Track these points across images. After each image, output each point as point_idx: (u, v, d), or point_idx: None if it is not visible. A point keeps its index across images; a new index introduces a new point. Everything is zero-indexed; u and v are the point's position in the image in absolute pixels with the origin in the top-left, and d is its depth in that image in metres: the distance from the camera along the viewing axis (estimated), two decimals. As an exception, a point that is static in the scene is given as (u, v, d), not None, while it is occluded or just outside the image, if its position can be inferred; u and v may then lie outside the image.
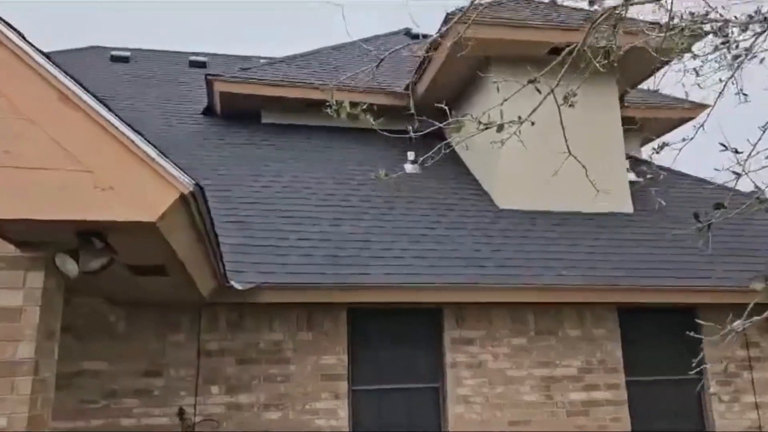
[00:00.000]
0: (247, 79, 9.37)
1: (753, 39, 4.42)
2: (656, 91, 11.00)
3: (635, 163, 9.64)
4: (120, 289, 5.55)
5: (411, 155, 9.10)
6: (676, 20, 4.56)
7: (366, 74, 10.07)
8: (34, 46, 3.45)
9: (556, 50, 8.14)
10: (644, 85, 10.37)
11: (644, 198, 8.95)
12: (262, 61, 10.80)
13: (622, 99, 9.39)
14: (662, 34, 4.61)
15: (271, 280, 6.15)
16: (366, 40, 11.26)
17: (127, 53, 12.20)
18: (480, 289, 6.74)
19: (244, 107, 9.73)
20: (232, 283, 5.85)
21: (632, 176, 9.38)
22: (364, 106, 4.65)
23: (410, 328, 6.98)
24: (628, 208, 8.59)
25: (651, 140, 11.27)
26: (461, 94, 9.50)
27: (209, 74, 9.19)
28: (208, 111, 9.95)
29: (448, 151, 5.08)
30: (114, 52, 12.13)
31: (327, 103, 4.58)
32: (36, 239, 3.60)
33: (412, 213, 7.79)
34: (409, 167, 8.94)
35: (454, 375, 6.83)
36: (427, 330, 7.00)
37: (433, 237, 7.34)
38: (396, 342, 6.89)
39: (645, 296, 7.16)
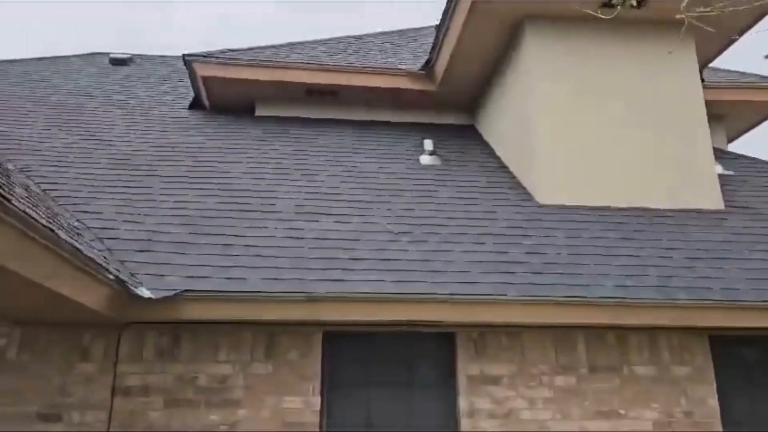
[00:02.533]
0: (236, 60, 7.86)
1: None
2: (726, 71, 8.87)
3: (717, 153, 7.51)
4: (9, 301, 3.97)
5: (428, 144, 7.30)
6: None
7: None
8: None
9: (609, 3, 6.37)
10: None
11: (733, 193, 6.79)
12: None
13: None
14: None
15: (203, 287, 4.40)
16: (391, 32, 9.67)
17: (127, 56, 11.07)
18: (507, 303, 4.77)
19: (235, 98, 8.21)
20: (136, 289, 4.14)
21: (719, 168, 7.25)
22: None
23: (409, 359, 5.06)
24: (716, 203, 6.44)
25: (737, 127, 9.07)
26: (491, 69, 7.67)
27: (187, 54, 7.72)
28: (196, 105, 8.48)
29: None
30: (113, 56, 11.02)
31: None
32: None
33: (420, 208, 5.93)
34: (425, 159, 7.16)
35: (471, 428, 4.83)
36: (434, 363, 5.07)
37: (443, 237, 5.44)
38: (389, 379, 4.98)
39: (750, 318, 5.00)
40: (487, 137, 7.91)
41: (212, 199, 5.68)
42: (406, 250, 5.15)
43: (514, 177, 6.88)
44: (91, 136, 7.01)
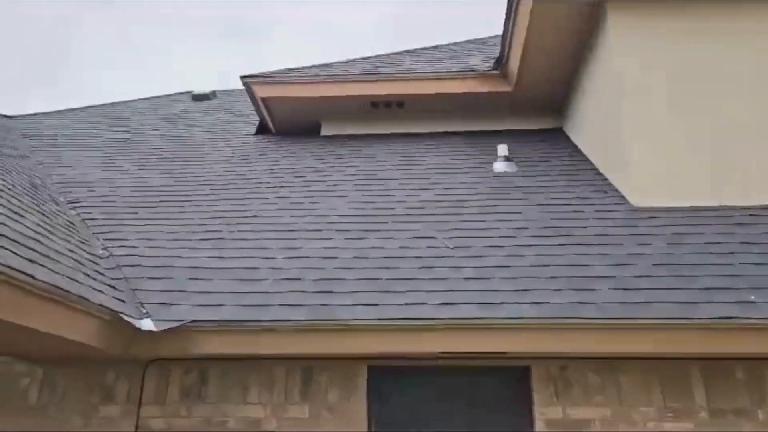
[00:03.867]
0: (296, 77, 7.46)
1: None
2: None
3: None
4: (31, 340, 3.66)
5: (502, 150, 6.42)
6: None
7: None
8: None
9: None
10: None
11: None
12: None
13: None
14: None
15: (212, 317, 3.83)
16: (457, 42, 8.91)
17: (209, 92, 11.17)
18: (586, 327, 3.78)
19: (299, 118, 7.81)
20: (137, 322, 3.64)
21: None
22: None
23: (473, 399, 4.17)
24: None
25: None
26: (572, 61, 6.67)
27: (245, 76, 7.43)
28: (262, 129, 8.19)
29: None
30: (196, 92, 11.17)
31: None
32: None
33: (485, 219, 5.07)
34: (499, 166, 6.29)
35: (549, 487, 3.84)
36: (504, 404, 4.15)
37: (508, 250, 4.54)
38: (448, 424, 4.12)
39: None
40: (576, 140, 6.87)
41: (250, 223, 5.17)
42: (461, 267, 4.31)
43: (605, 179, 5.82)
44: (150, 167, 6.84)
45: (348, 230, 4.92)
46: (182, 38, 35.47)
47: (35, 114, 9.84)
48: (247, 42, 35.37)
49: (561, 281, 4.09)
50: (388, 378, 4.25)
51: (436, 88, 7.39)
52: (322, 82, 7.45)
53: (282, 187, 5.99)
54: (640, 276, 4.13)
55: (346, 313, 3.82)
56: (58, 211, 5.04)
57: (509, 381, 4.19)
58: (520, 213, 5.19)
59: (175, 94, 11.55)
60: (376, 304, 3.89)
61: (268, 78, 7.46)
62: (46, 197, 5.22)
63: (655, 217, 4.88)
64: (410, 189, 5.87)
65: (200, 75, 29.41)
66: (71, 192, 6.01)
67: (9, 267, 2.75)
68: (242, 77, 7.40)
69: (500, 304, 3.87)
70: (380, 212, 5.35)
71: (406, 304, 3.89)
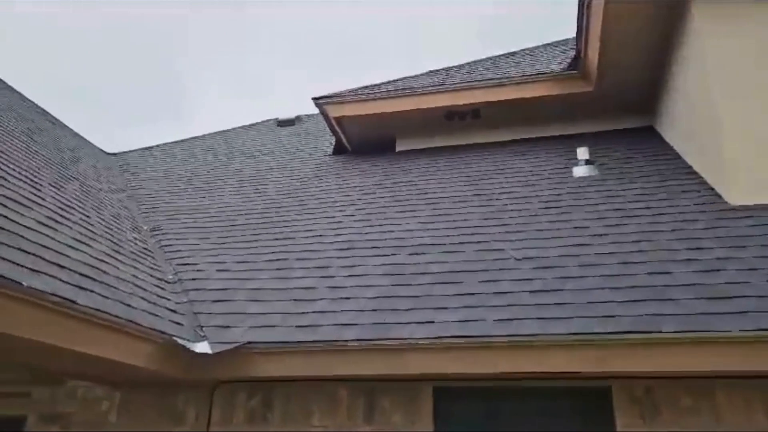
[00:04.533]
0: (367, 94, 7.44)
1: None
2: None
3: None
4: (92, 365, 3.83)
5: (583, 153, 6.02)
6: None
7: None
8: None
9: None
10: None
11: None
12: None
13: None
14: None
15: (266, 338, 3.78)
16: (529, 48, 8.53)
17: (293, 117, 11.47)
18: (673, 343, 3.36)
19: (374, 135, 7.78)
20: (193, 346, 3.66)
21: None
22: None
23: (546, 423, 3.83)
24: None
25: None
26: (657, 52, 6.15)
27: (316, 98, 7.50)
28: (339, 149, 8.23)
29: None
30: (281, 118, 11.50)
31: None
32: None
33: (559, 227, 4.72)
34: (580, 170, 5.90)
35: None
36: (582, 429, 3.77)
37: (583, 260, 4.17)
38: (516, 450, 3.80)
39: None
40: (668, 138, 6.31)
41: (315, 243, 5.13)
42: (528, 280, 4.00)
43: (698, 178, 5.27)
44: (231, 194, 7.04)
45: (411, 245, 4.76)
46: (291, 63, 37.06)
47: (136, 150, 10.52)
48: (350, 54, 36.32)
49: (638, 292, 3.68)
50: (456, 400, 4.01)
51: (512, 94, 7.09)
52: (394, 98, 7.37)
53: (351, 205, 5.94)
54: (733, 283, 3.63)
55: (399, 332, 3.64)
56: (136, 238, 5.26)
57: (587, 403, 3.81)
58: (600, 219, 4.79)
59: (263, 121, 11.95)
60: (432, 322, 3.69)
61: (339, 98, 7.49)
62: (127, 226, 5.47)
63: (752, 216, 4.32)
64: (484, 200, 5.62)
65: (304, 100, 30.57)
66: (155, 221, 6.29)
67: (53, 294, 2.84)
68: (314, 99, 7.49)
69: (566, 318, 3.54)
70: (448, 225, 5.14)
71: (463, 320, 3.65)
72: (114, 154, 10.03)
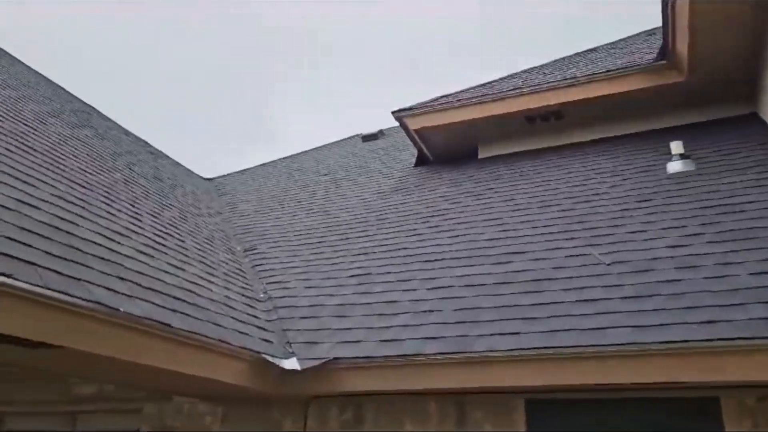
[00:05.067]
0: (445, 104, 7.41)
1: None
2: None
3: None
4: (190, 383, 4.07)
5: (676, 147, 5.68)
6: None
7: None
8: None
9: None
10: None
11: None
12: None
13: None
14: None
15: (350, 353, 3.82)
16: (611, 43, 8.16)
17: (377, 131, 11.62)
18: (777, 351, 3.08)
19: (455, 144, 7.73)
20: (281, 362, 3.76)
21: None
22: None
23: (647, 437, 3.61)
24: None
25: None
26: (755, 32, 5.70)
27: (396, 111, 7.54)
28: (421, 161, 8.24)
29: None
30: (365, 133, 11.69)
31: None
32: None
33: (650, 228, 4.46)
34: (674, 165, 5.58)
35: None
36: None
37: (678, 261, 3.91)
38: (615, 465, 3.61)
39: None
40: (773, 123, 5.84)
41: (397, 256, 5.15)
42: (618, 286, 3.81)
43: (809, 165, 4.83)
44: (317, 211, 7.22)
45: (494, 255, 4.67)
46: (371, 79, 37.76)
47: (230, 174, 11.05)
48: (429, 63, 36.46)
49: (742, 294, 3.41)
50: (549, 412, 3.87)
51: (596, 91, 6.81)
52: (473, 105, 7.29)
53: (433, 216, 5.92)
54: None
55: (484, 344, 3.57)
56: (230, 259, 5.50)
57: (691, 414, 3.56)
58: (696, 217, 4.49)
59: (347, 138, 12.20)
60: (516, 333, 3.59)
61: (418, 109, 7.51)
62: (221, 248, 5.74)
63: None
64: (570, 203, 5.43)
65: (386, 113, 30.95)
66: (248, 241, 6.56)
67: (147, 318, 3.02)
68: (393, 112, 7.55)
69: (663, 325, 3.33)
70: (534, 231, 5.00)
71: (551, 331, 3.52)
72: (210, 179, 10.58)
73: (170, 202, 6.34)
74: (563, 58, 7.95)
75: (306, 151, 11.60)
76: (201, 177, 10.29)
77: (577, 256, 4.35)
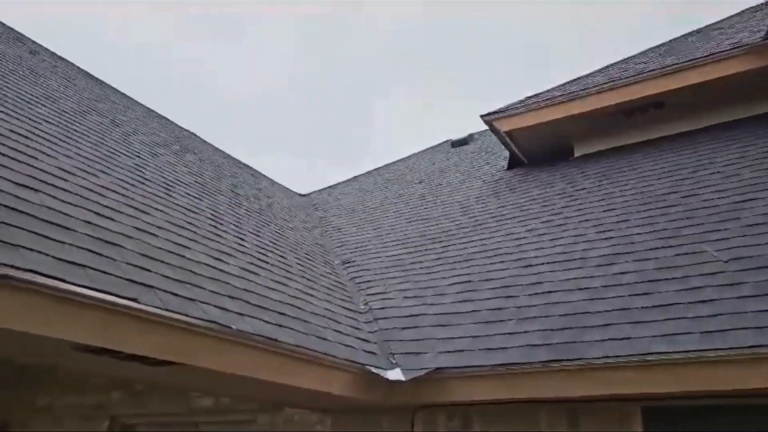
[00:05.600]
0: (536, 104, 7.25)
1: None
2: None
3: None
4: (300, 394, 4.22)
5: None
6: None
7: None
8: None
9: None
10: None
11: None
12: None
13: None
14: None
15: (455, 363, 3.79)
16: (704, 27, 7.66)
17: (466, 136, 11.54)
18: None
19: (549, 144, 7.54)
20: (385, 373, 3.80)
21: None
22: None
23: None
24: None
25: None
26: None
27: (484, 114, 7.44)
28: (514, 163, 8.09)
29: None
30: (454, 139, 11.64)
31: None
32: None
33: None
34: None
35: None
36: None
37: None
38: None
39: None
40: None
41: (497, 262, 5.07)
42: (737, 284, 3.55)
43: None
44: (412, 220, 7.26)
45: (596, 257, 4.49)
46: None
47: (325, 188, 11.33)
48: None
49: None
50: (668, 420, 3.66)
51: (700, 76, 6.44)
52: (565, 102, 7.09)
53: (530, 219, 5.78)
54: None
55: (594, 350, 3.43)
56: (329, 273, 5.64)
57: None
58: (824, 205, 4.12)
59: (436, 145, 12.18)
60: (629, 338, 3.43)
61: (508, 111, 7.39)
62: (320, 262, 5.89)
63: None
64: (675, 197, 5.14)
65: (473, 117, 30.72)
66: (345, 253, 6.69)
67: (257, 334, 3.15)
68: (483, 116, 7.48)
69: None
70: (639, 230, 4.77)
71: (666, 335, 3.34)
72: (306, 195, 10.91)
73: (269, 220, 6.59)
74: (660, 45, 7.56)
75: (396, 161, 11.70)
76: (296, 193, 10.63)
77: (688, 254, 4.11)
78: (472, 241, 5.78)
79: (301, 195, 10.74)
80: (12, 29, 7.70)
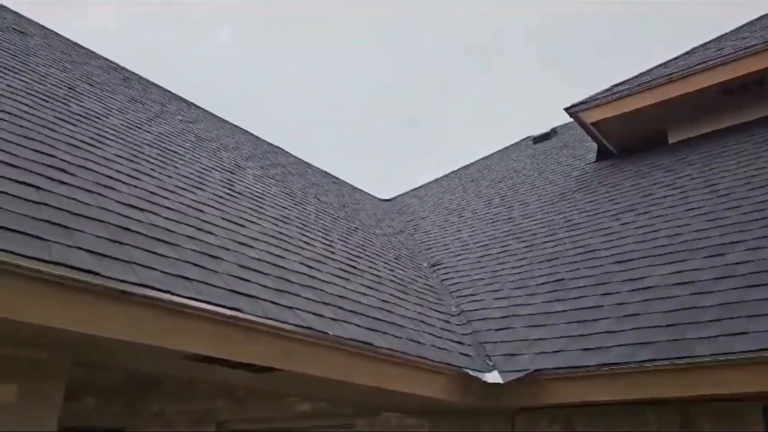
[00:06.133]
0: (622, 92, 6.95)
1: None
2: None
3: None
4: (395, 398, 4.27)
5: None
6: None
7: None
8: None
9: None
10: None
11: None
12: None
13: None
14: None
15: (552, 364, 3.68)
16: None
17: (548, 131, 11.26)
18: None
19: (640, 132, 7.22)
20: (483, 375, 3.74)
21: None
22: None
23: None
24: None
25: None
26: None
27: (568, 107, 7.21)
28: (603, 154, 7.79)
29: None
30: (535, 135, 11.39)
31: None
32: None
33: None
34: None
35: None
36: None
37: None
38: None
39: None
40: None
41: (590, 258, 4.89)
42: None
43: None
44: (496, 221, 7.14)
45: (703, 247, 4.24)
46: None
47: (407, 192, 11.37)
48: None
49: None
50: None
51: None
52: (656, 87, 6.77)
53: (624, 212, 5.55)
54: None
55: (706, 347, 3.24)
56: (418, 276, 5.64)
57: None
58: None
59: (517, 142, 11.95)
60: (745, 332, 3.21)
61: (593, 101, 7.14)
62: (408, 265, 5.90)
63: None
64: (786, 181, 4.78)
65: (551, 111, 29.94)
66: (432, 256, 6.68)
67: (352, 339, 3.19)
68: (566, 109, 7.27)
69: None
70: (748, 218, 4.47)
71: (786, 329, 3.10)
72: (389, 200, 10.98)
73: (356, 226, 6.68)
74: (760, 18, 7.08)
75: (476, 161, 11.58)
76: (379, 199, 10.72)
77: (807, 240, 3.80)
78: (561, 238, 5.62)
79: (383, 200, 10.83)
80: (107, 59, 8.22)
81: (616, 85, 7.20)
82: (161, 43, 37.69)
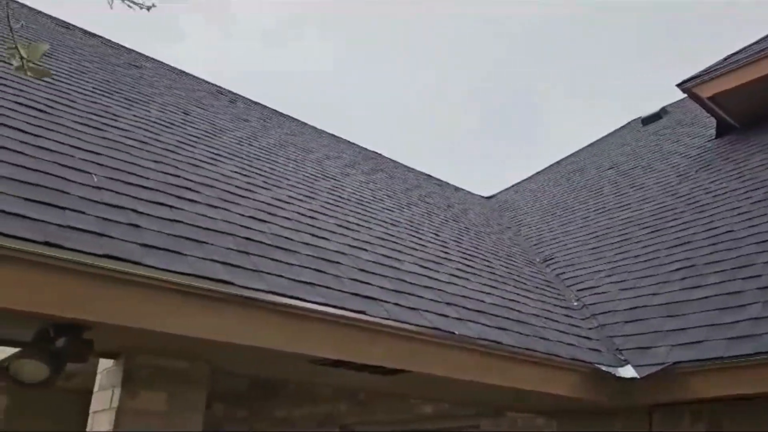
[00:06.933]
0: (741, 61, 6.41)
1: None
2: None
3: None
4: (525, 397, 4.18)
5: None
6: None
7: None
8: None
9: None
10: None
11: None
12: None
13: None
14: None
15: (693, 356, 3.41)
16: None
17: (658, 110, 10.61)
18: None
19: (763, 104, 6.64)
20: (615, 371, 3.54)
21: None
22: None
23: None
24: None
25: None
26: None
27: (680, 83, 6.72)
28: (722, 131, 7.22)
29: None
30: (644, 116, 10.78)
31: None
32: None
33: None
34: None
35: None
36: None
37: None
38: None
39: None
40: None
41: (724, 240, 4.53)
42: None
43: None
44: (605, 210, 6.80)
45: None
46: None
47: (509, 187, 11.10)
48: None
49: None
50: None
51: None
52: (779, 52, 6.19)
53: (756, 189, 5.10)
54: None
55: None
56: (533, 272, 5.46)
57: None
58: None
59: (624, 125, 11.36)
60: None
61: (709, 74, 6.65)
62: (522, 262, 5.74)
63: None
64: None
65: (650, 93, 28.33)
66: (544, 251, 6.45)
67: (480, 338, 3.11)
68: (679, 85, 6.82)
69: None
70: None
71: None
72: (491, 197, 10.77)
73: (465, 226, 6.58)
74: None
75: (581, 149, 11.11)
76: (481, 196, 10.54)
77: None
78: (686, 222, 5.24)
79: (486, 197, 10.63)
80: (211, 83, 8.63)
81: (732, 54, 6.67)
82: (247, 61, 39.26)
